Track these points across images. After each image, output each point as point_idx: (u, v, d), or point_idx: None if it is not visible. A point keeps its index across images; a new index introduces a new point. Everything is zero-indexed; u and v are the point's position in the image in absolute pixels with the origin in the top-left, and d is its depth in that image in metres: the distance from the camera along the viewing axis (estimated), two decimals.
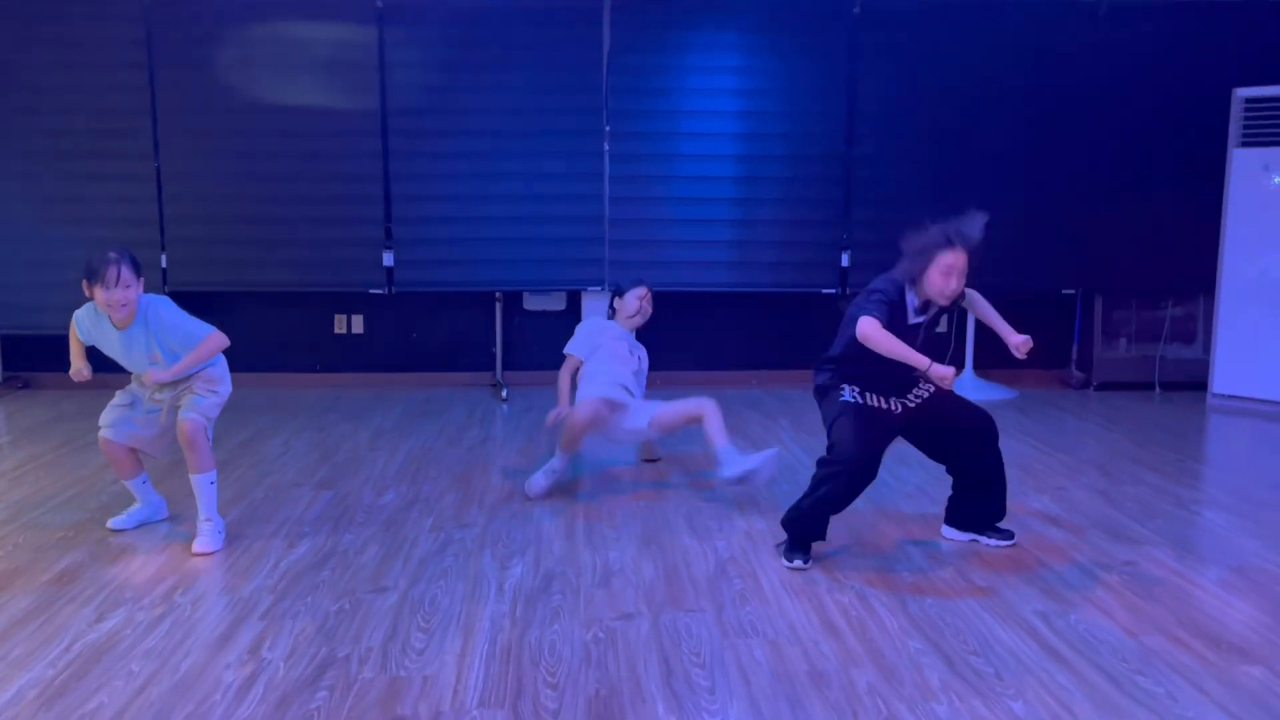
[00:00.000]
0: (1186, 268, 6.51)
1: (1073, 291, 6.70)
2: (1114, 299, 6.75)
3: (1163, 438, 5.49)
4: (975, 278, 3.41)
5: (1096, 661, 2.78)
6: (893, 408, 3.48)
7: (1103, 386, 6.74)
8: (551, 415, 4.44)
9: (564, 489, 4.40)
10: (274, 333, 6.86)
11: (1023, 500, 4.05)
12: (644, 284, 4.69)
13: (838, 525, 3.53)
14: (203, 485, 3.64)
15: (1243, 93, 6.11)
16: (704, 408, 4.35)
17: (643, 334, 4.89)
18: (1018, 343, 3.45)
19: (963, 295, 3.50)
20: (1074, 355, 6.88)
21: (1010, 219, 6.34)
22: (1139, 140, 6.55)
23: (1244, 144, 6.11)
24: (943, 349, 3.42)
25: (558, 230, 6.49)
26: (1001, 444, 3.65)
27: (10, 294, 6.38)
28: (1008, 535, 3.67)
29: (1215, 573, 3.46)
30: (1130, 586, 3.31)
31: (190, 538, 3.65)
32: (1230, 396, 6.22)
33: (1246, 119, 6.10)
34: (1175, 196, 6.52)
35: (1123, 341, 6.81)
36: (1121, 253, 6.60)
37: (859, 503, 3.49)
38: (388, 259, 6.47)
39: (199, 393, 3.68)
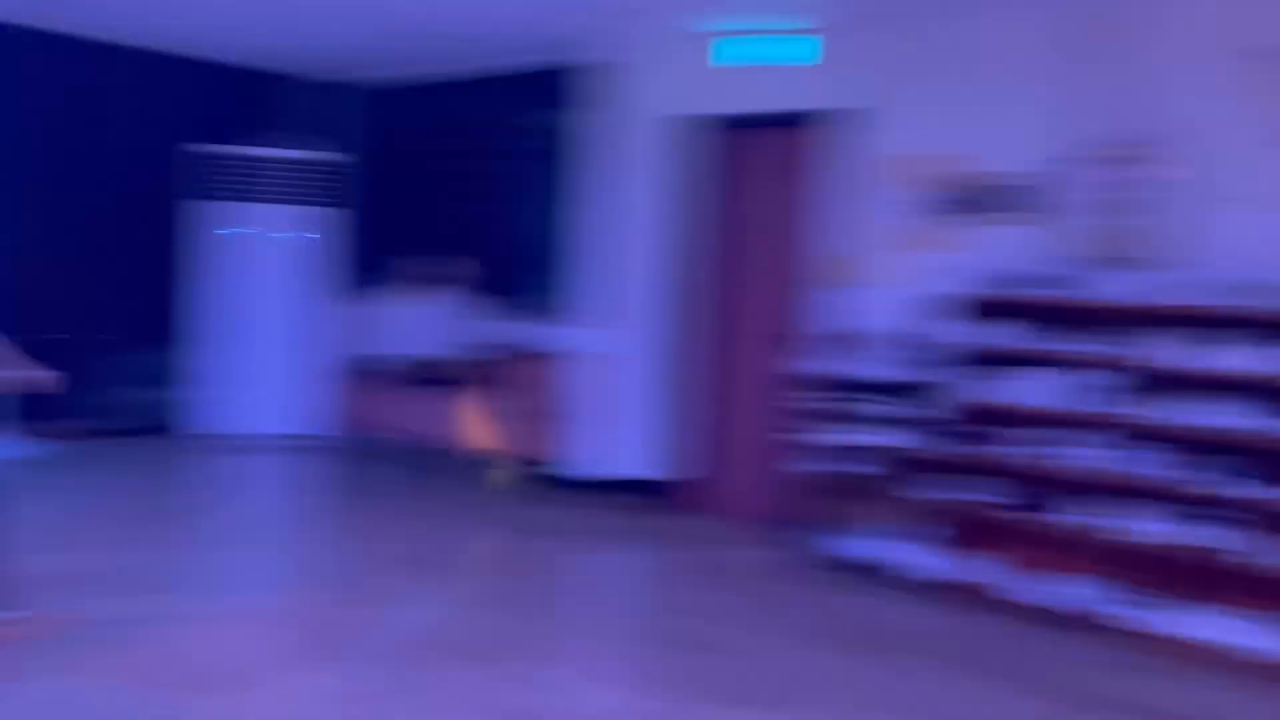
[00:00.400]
0: (169, 313, 6.64)
1: (66, 338, 6.27)
2: (110, 347, 6.60)
3: (169, 481, 5.73)
4: None
5: None
6: None
7: (113, 434, 6.58)
8: None
9: None
10: None
11: (35, 564, 3.88)
12: None
13: None
14: None
15: (191, 149, 6.45)
16: None
17: None
18: None
19: None
20: (86, 404, 6.66)
21: None
22: (103, 188, 6.42)
23: (194, 197, 6.48)
24: None
25: None
26: (16, 507, 3.51)
27: None
28: (18, 609, 3.55)
29: (218, 607, 3.78)
30: (141, 639, 3.40)
31: None
32: (211, 435, 6.53)
33: (195, 174, 6.46)
34: (156, 246, 6.58)
35: (124, 388, 6.66)
36: (116, 302, 6.51)
37: None
38: None
39: None
